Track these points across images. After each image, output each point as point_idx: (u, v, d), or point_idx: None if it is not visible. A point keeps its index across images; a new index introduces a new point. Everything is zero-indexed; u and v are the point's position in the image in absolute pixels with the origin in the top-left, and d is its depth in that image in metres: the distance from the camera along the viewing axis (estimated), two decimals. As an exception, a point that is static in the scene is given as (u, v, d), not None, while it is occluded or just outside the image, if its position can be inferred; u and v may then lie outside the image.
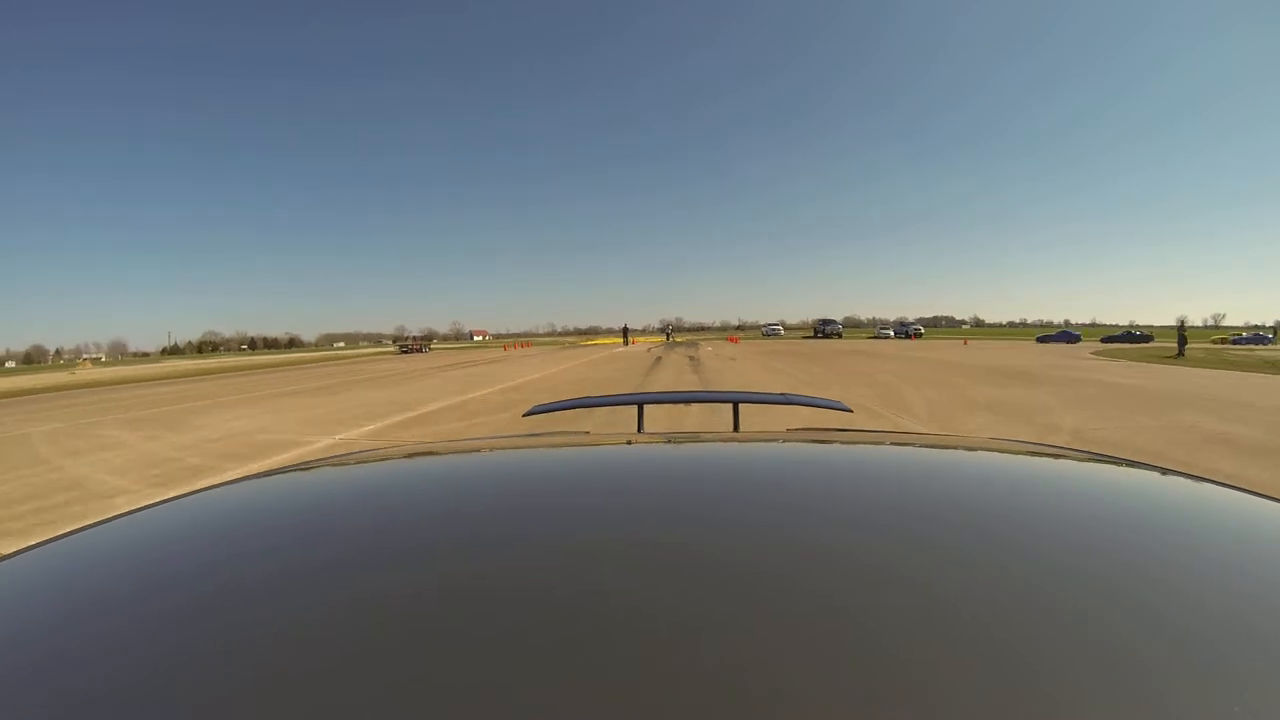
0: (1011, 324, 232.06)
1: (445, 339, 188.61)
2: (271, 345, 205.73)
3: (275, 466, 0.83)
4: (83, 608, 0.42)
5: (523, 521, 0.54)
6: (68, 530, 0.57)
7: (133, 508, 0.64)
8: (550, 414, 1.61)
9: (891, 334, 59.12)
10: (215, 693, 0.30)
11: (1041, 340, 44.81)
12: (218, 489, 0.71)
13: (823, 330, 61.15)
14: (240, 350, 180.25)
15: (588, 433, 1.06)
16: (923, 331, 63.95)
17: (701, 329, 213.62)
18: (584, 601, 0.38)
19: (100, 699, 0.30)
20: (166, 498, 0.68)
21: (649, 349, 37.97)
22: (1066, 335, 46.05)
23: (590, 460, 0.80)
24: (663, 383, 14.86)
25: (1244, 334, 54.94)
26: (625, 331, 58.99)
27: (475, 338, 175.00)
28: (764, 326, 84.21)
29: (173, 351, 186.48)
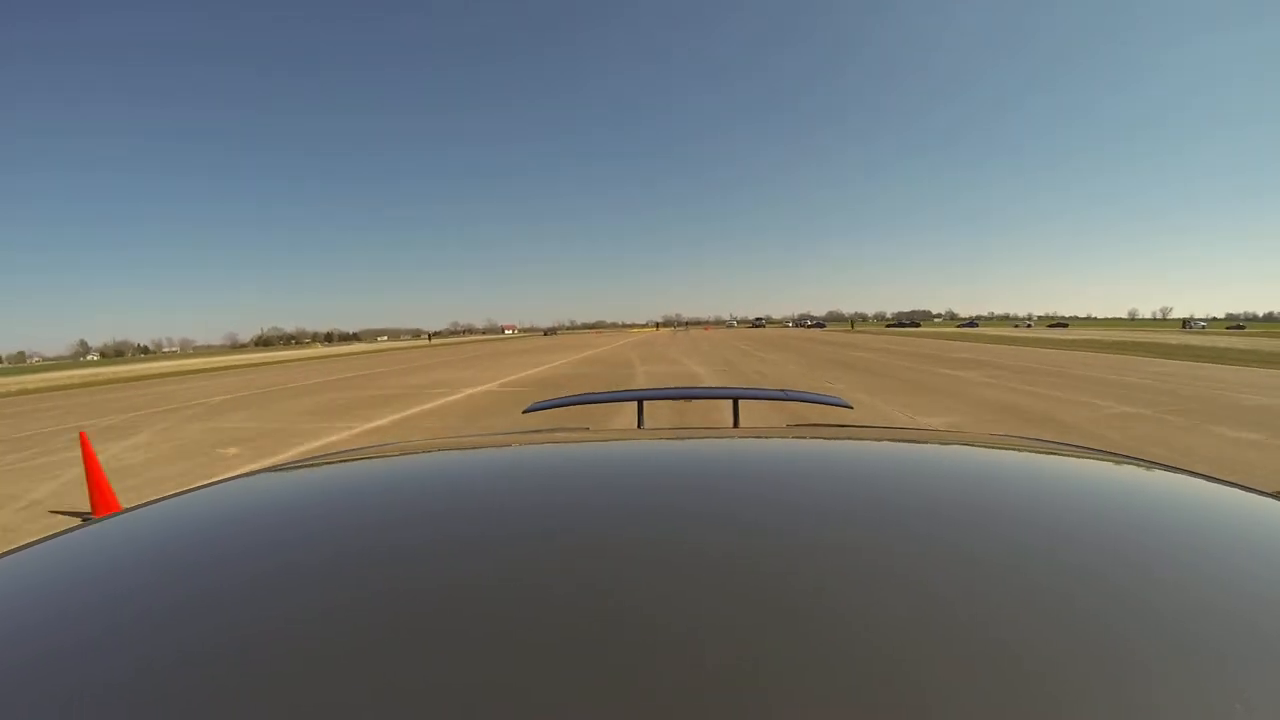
0: (980, 316, 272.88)
1: (488, 331, 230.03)
2: (345, 338, 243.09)
3: (273, 464, 0.84)
4: (82, 605, 0.42)
5: (523, 518, 0.54)
6: (66, 529, 0.57)
7: (131, 506, 0.63)
8: (550, 410, 1.57)
9: (790, 325, 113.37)
10: (216, 691, 0.30)
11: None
12: (215, 486, 0.70)
13: (755, 324, 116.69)
14: (322, 342, 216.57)
15: (588, 429, 1.07)
16: (809, 323, 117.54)
17: (698, 322, 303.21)
18: (585, 599, 0.37)
19: (101, 697, 0.30)
20: (164, 495, 0.67)
21: (669, 332, 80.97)
22: (819, 324, 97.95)
23: (591, 457, 0.79)
24: (681, 341, 34.91)
25: (974, 320, 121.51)
26: (658, 324, 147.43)
27: (506, 331, 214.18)
28: (726, 322, 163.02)
29: (264, 343, 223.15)
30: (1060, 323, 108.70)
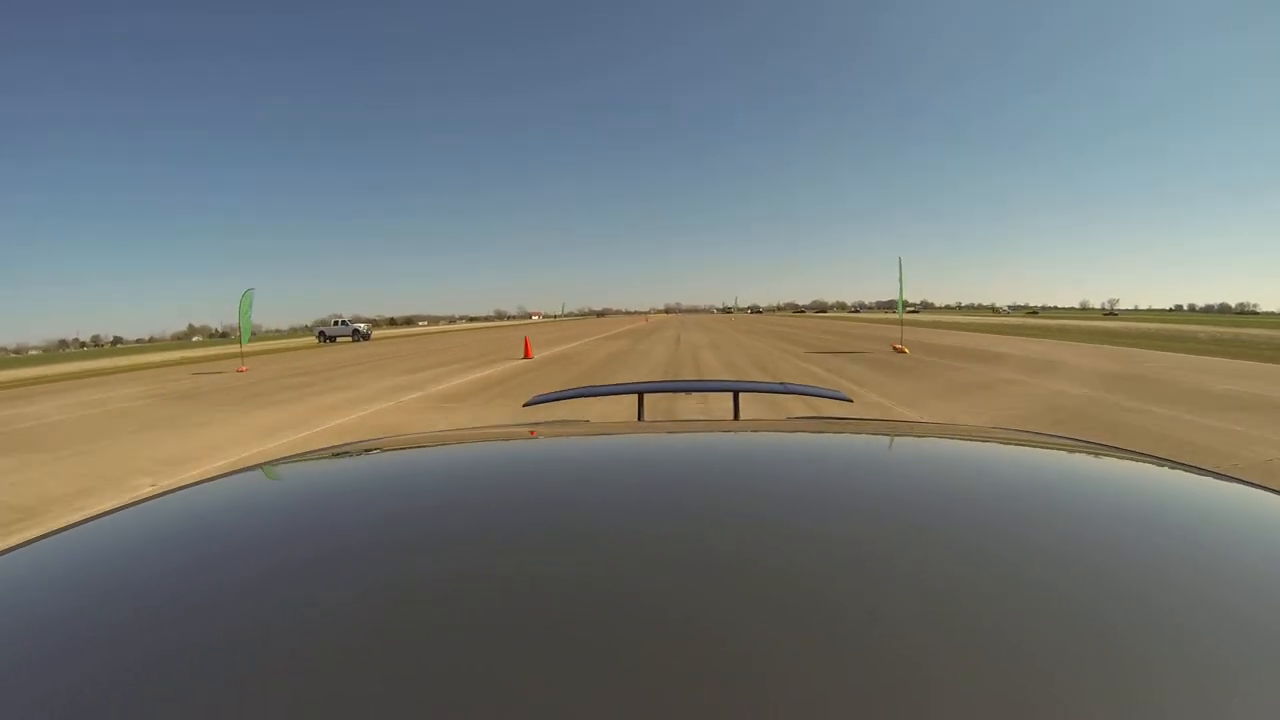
0: (949, 305, 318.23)
1: (517, 317, 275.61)
2: (406, 321, 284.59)
3: (272, 459, 0.85)
4: (83, 603, 0.42)
5: (526, 512, 0.54)
6: (66, 525, 0.58)
7: (132, 500, 0.64)
8: (550, 404, 1.61)
9: (749, 311, 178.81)
10: (221, 687, 0.30)
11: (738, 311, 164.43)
12: (214, 481, 0.70)
13: (724, 310, 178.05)
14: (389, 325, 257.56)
15: (588, 422, 1.07)
16: (761, 309, 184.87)
17: (695, 309, 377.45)
18: (587, 592, 0.38)
19: (104, 694, 0.30)
20: (165, 490, 0.67)
21: (674, 317, 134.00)
22: (757, 311, 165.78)
23: (591, 450, 0.79)
24: (684, 320, 66.22)
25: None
26: (668, 309, 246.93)
27: (533, 317, 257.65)
28: (710, 309, 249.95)
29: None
30: (914, 309, 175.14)
